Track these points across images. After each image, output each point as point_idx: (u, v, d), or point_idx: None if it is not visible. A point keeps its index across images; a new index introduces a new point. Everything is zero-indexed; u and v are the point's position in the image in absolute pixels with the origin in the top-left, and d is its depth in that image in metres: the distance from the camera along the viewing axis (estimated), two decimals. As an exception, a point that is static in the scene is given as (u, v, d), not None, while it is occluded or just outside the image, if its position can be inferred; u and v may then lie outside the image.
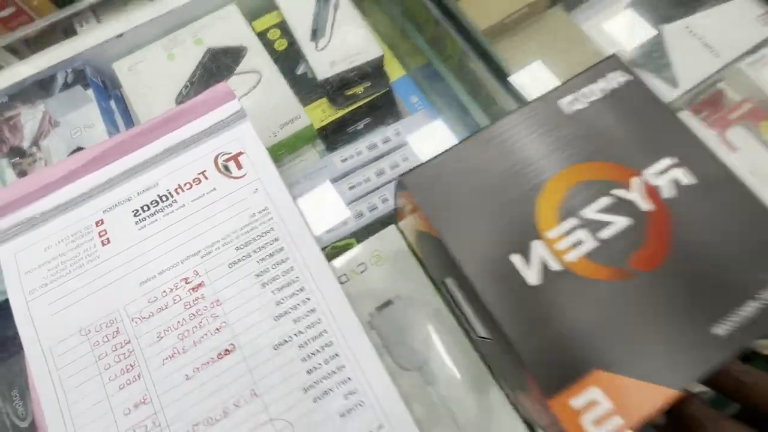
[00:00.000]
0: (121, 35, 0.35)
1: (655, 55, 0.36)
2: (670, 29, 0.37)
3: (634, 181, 0.17)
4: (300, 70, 0.36)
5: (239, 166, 0.25)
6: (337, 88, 0.35)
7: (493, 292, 0.16)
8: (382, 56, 0.35)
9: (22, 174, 0.30)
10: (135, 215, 0.24)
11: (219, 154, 0.26)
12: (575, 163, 0.18)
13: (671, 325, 0.15)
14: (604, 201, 0.17)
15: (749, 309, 0.15)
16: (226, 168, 0.25)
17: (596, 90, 0.19)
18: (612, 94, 0.19)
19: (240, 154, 0.26)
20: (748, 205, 0.17)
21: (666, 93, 0.35)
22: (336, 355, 0.22)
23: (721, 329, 0.15)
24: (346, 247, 0.29)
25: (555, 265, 0.16)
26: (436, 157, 0.18)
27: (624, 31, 0.37)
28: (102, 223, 0.24)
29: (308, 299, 0.23)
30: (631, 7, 0.38)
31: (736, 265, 0.16)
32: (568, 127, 0.18)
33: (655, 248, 0.16)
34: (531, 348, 0.15)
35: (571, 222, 0.17)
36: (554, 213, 0.17)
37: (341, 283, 0.27)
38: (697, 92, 0.35)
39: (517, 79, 0.30)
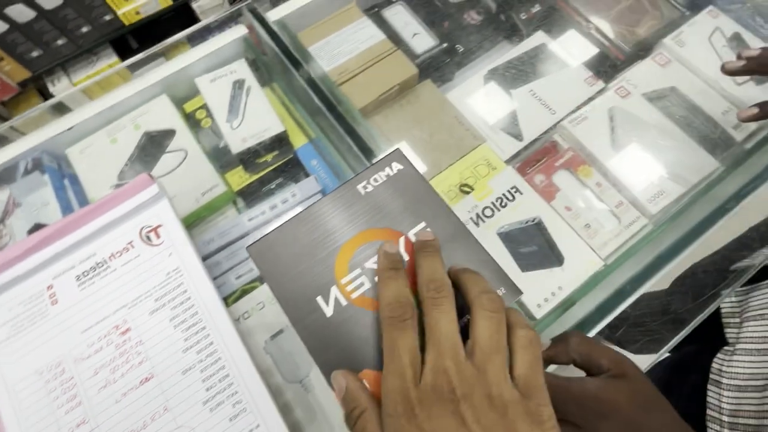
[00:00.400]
0: (71, 128, 0.43)
1: (505, 116, 0.46)
2: (517, 93, 0.47)
3: (401, 240, 0.26)
4: (222, 144, 0.45)
5: (158, 236, 0.33)
6: (249, 158, 0.43)
7: (302, 324, 0.24)
8: (285, 131, 0.44)
9: (-10, 248, 0.37)
10: (77, 279, 0.32)
11: (143, 227, 0.34)
12: (362, 230, 0.26)
13: None
14: None
15: None
16: (148, 238, 0.33)
17: (383, 176, 0.27)
18: (392, 178, 0.27)
19: (159, 226, 0.34)
20: (474, 252, 0.25)
21: (513, 146, 0.44)
22: (227, 375, 0.29)
23: None
24: (252, 289, 0.37)
25: (344, 301, 0.24)
26: (271, 231, 0.26)
27: (481, 97, 0.47)
28: (52, 287, 0.32)
29: (208, 335, 0.31)
30: (488, 78, 0.48)
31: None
32: (360, 205, 0.27)
33: (411, 284, 0.24)
34: (324, 360, 0.23)
35: (357, 271, 0.25)
36: (346, 266, 0.25)
37: (244, 318, 0.35)
38: (536, 145, 0.45)
39: (365, 135, 0.39)
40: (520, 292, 0.24)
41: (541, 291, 0.36)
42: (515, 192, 0.40)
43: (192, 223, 0.41)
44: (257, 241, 0.26)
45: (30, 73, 1.08)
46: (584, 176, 0.42)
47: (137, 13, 1.12)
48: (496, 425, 0.17)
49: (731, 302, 0.40)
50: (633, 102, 0.45)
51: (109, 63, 1.18)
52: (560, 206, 0.40)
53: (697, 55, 0.47)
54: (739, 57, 0.38)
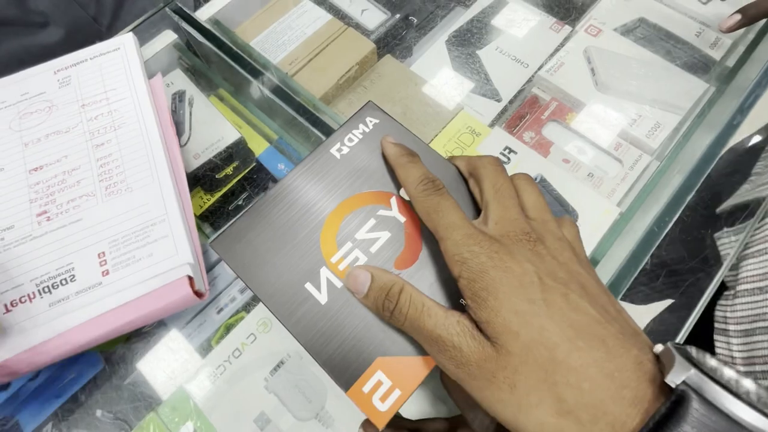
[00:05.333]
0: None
1: (476, 78, 0.43)
2: (483, 53, 0.44)
3: (393, 201, 0.21)
4: (172, 166, 0.39)
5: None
6: (207, 175, 0.38)
7: (293, 319, 0.19)
8: (242, 137, 0.39)
9: None
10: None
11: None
12: (345, 198, 0.21)
13: None
14: (371, 222, 0.21)
15: None
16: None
17: (357, 134, 0.23)
18: (369, 134, 0.23)
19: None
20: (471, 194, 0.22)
21: (492, 109, 0.41)
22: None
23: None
24: (238, 322, 0.31)
25: (338, 283, 0.20)
26: (237, 219, 0.21)
27: (447, 64, 0.43)
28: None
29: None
30: (450, 44, 0.44)
31: None
32: (338, 170, 0.22)
33: (412, 248, 0.20)
34: (327, 356, 0.18)
35: (348, 245, 0.21)
36: (334, 241, 0.21)
37: (235, 357, 0.30)
38: (516, 102, 0.42)
39: (332, 123, 0.35)
40: None
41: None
42: (509, 153, 0.36)
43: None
44: (221, 232, 0.21)
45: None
46: (574, 124, 0.39)
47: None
48: (572, 260, 0.17)
49: (729, 242, 0.38)
50: (606, 39, 0.42)
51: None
52: (558, 159, 0.37)
53: (657, -18, 0.45)
54: (730, 17, 0.36)
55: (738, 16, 0.36)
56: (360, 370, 0.18)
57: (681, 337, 0.30)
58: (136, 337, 0.32)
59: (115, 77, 0.35)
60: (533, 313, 0.15)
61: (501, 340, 0.15)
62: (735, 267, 0.36)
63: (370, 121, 0.23)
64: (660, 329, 0.36)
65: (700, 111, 0.37)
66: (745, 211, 0.36)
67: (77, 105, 0.34)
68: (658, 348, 0.14)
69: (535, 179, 0.35)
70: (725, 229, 0.35)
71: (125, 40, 0.37)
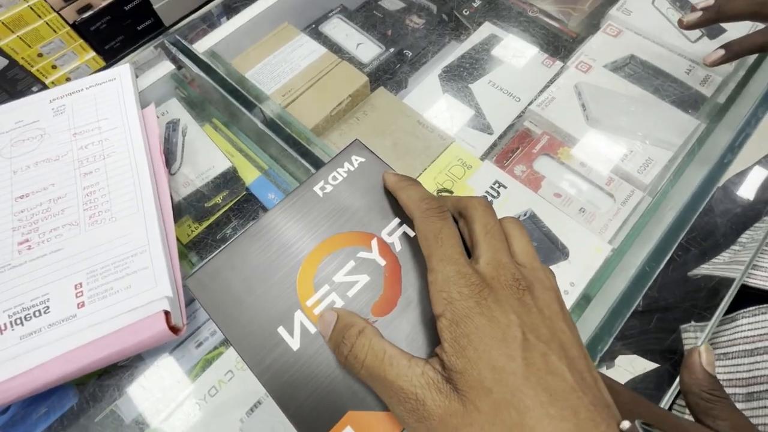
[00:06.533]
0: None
1: (469, 112, 0.43)
2: (476, 86, 0.44)
3: (374, 243, 0.21)
4: (162, 194, 0.39)
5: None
6: (196, 204, 0.38)
7: (262, 365, 0.18)
8: (233, 166, 0.39)
9: None
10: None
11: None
12: (325, 238, 0.21)
13: None
14: (350, 264, 0.20)
15: None
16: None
17: (342, 172, 0.23)
18: (354, 173, 0.23)
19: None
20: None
21: (484, 142, 0.41)
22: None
23: None
24: (216, 357, 0.30)
25: (312, 328, 0.19)
26: (213, 256, 0.21)
27: (440, 97, 0.44)
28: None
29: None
30: (443, 77, 0.45)
31: None
32: (320, 209, 0.22)
33: (390, 294, 0.19)
34: (295, 407, 0.17)
35: (325, 288, 0.20)
36: (311, 283, 0.20)
37: (211, 396, 0.29)
38: (508, 135, 0.42)
39: (322, 155, 0.35)
40: None
41: (551, 291, 0.31)
42: (499, 187, 0.36)
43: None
44: (197, 269, 0.20)
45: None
46: (565, 159, 0.39)
47: (67, 79, 1.06)
48: (557, 315, 0.17)
49: (693, 337, 0.35)
50: (596, 74, 0.43)
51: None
52: (549, 194, 0.37)
53: (645, 21, 0.46)
54: (693, 9, 0.37)
55: (722, 51, 0.36)
56: (329, 424, 0.17)
57: (666, 403, 0.28)
58: (113, 370, 0.30)
59: (109, 107, 0.36)
60: (510, 371, 0.14)
61: (471, 395, 0.14)
62: None
63: (356, 160, 0.23)
64: (644, 389, 0.34)
65: (691, 148, 0.36)
66: (714, 296, 0.34)
67: (69, 133, 0.34)
68: (625, 425, 0.14)
69: (525, 214, 0.34)
70: (692, 323, 0.33)
71: (122, 70, 0.38)
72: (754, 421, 0.28)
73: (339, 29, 0.48)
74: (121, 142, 0.34)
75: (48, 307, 0.27)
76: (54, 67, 1.03)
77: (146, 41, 1.20)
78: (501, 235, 0.19)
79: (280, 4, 0.47)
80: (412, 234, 0.21)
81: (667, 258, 0.30)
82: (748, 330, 0.32)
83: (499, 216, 0.21)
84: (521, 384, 0.14)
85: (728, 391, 0.29)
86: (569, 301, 0.30)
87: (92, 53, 1.07)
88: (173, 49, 0.41)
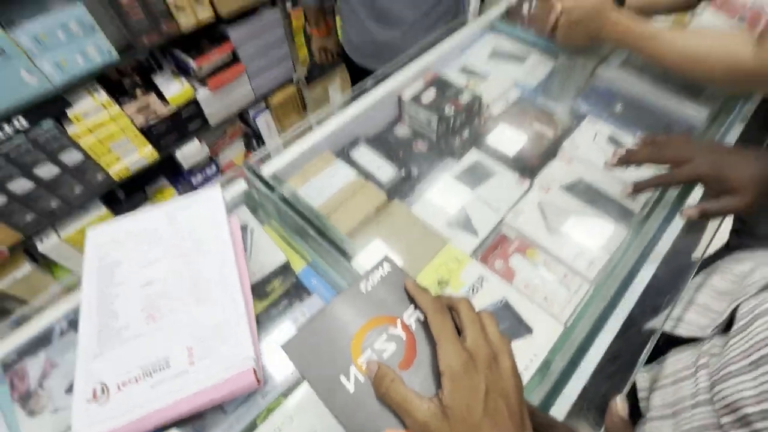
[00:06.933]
0: (102, 287, 0.50)
1: (460, 219, 0.58)
2: (467, 200, 0.60)
3: (398, 323, 0.33)
4: (233, 279, 0.52)
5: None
6: (260, 288, 0.51)
7: (333, 402, 0.30)
8: (287, 261, 0.53)
9: (31, 413, 0.40)
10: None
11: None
12: (368, 319, 0.34)
13: None
14: (384, 336, 0.33)
15: None
16: (186, 373, 0.39)
17: (377, 276, 0.36)
18: (385, 278, 0.36)
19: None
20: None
21: (472, 242, 0.55)
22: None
23: None
24: (277, 405, 0.41)
25: (362, 378, 0.31)
26: (299, 331, 0.33)
27: (439, 206, 0.59)
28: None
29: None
30: (442, 190, 0.61)
31: None
32: (364, 300, 0.35)
33: (409, 356, 0.31)
34: (352, 427, 0.29)
35: (369, 351, 0.32)
36: (360, 348, 0.32)
37: (275, 434, 0.39)
38: (490, 238, 0.56)
39: (354, 253, 0.48)
40: None
41: (520, 360, 0.43)
42: (482, 281, 0.49)
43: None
44: (289, 340, 0.33)
45: (22, 236, 1.15)
46: (532, 257, 0.53)
47: (127, 169, 1.26)
48: (509, 373, 0.29)
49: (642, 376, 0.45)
50: (554, 195, 0.58)
51: (98, 215, 1.27)
52: (520, 285, 0.50)
53: (588, 153, 0.63)
54: (614, 155, 0.54)
55: (622, 152, 0.52)
56: None
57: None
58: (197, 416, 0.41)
59: (207, 216, 0.51)
60: (476, 410, 0.26)
61: (454, 422, 0.26)
62: (645, 398, 0.44)
63: (386, 268, 0.37)
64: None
65: (623, 250, 0.50)
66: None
67: (179, 237, 0.49)
68: None
69: (501, 301, 0.47)
70: (645, 365, 0.45)
71: (214, 190, 0.53)
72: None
73: (364, 155, 0.66)
74: (216, 242, 0.48)
75: (169, 364, 0.39)
76: (118, 159, 1.23)
77: (193, 137, 1.41)
78: (479, 324, 0.31)
79: (322, 138, 0.64)
80: (423, 318, 0.34)
81: (602, 332, 0.42)
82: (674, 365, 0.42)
83: (480, 305, 0.34)
84: (481, 417, 0.26)
85: (660, 412, 0.40)
86: (532, 368, 0.42)
87: (150, 147, 1.29)
88: (248, 173, 0.58)
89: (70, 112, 1.09)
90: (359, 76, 1.07)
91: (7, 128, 1.00)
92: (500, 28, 0.85)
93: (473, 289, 0.49)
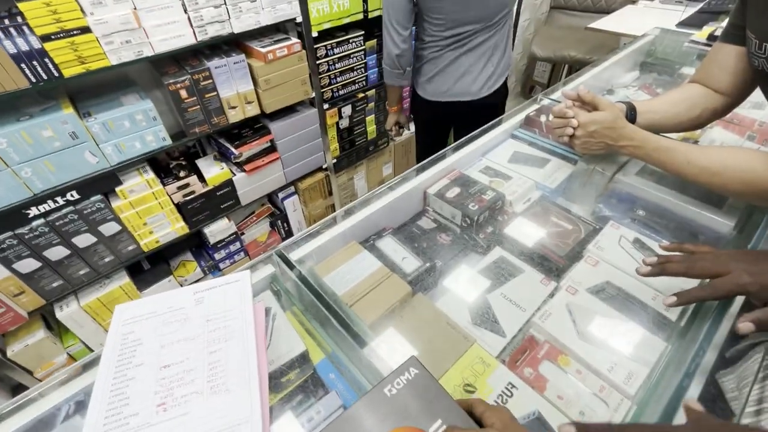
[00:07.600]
0: (118, 367, 0.49)
1: (486, 317, 0.56)
2: (492, 297, 0.59)
3: None
4: (249, 367, 0.51)
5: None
6: (276, 378, 0.49)
7: None
8: (306, 350, 0.51)
9: None
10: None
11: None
12: (391, 429, 0.31)
13: None
14: None
15: None
16: None
17: (403, 380, 0.34)
18: (411, 381, 0.34)
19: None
20: None
21: (499, 343, 0.53)
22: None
23: None
24: None
25: None
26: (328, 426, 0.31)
27: (464, 304, 0.58)
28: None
29: None
30: (466, 286, 0.61)
31: None
32: (387, 406, 0.32)
33: None
34: None
35: None
36: None
37: None
38: (517, 338, 0.54)
39: (376, 347, 0.47)
40: None
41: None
42: (512, 388, 0.46)
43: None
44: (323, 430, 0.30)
45: (45, 301, 1.16)
46: (564, 365, 0.49)
47: (157, 241, 1.31)
48: None
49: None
50: (581, 297, 0.57)
51: (120, 285, 1.29)
52: (553, 396, 0.46)
53: (614, 256, 0.63)
54: (645, 263, 0.53)
55: (674, 298, 0.50)
56: None
57: None
58: None
59: (233, 301, 0.51)
60: None
61: None
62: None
63: (413, 371, 0.35)
64: None
65: (665, 365, 0.47)
66: None
67: (204, 319, 0.49)
68: None
69: (534, 414, 0.44)
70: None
71: (244, 275, 0.55)
72: None
73: (389, 245, 0.67)
74: (240, 329, 0.48)
75: (174, 462, 0.36)
76: (151, 232, 1.29)
77: (224, 215, 1.47)
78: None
79: (349, 228, 0.67)
80: None
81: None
82: None
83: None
84: None
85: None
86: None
87: (182, 222, 1.35)
88: (276, 258, 0.59)
89: (118, 188, 1.18)
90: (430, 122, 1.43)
91: (60, 200, 1.08)
92: (520, 135, 0.91)
93: (502, 398, 0.45)
